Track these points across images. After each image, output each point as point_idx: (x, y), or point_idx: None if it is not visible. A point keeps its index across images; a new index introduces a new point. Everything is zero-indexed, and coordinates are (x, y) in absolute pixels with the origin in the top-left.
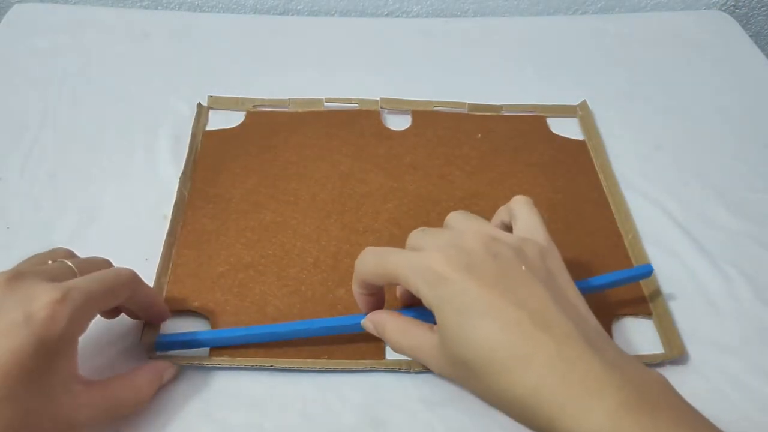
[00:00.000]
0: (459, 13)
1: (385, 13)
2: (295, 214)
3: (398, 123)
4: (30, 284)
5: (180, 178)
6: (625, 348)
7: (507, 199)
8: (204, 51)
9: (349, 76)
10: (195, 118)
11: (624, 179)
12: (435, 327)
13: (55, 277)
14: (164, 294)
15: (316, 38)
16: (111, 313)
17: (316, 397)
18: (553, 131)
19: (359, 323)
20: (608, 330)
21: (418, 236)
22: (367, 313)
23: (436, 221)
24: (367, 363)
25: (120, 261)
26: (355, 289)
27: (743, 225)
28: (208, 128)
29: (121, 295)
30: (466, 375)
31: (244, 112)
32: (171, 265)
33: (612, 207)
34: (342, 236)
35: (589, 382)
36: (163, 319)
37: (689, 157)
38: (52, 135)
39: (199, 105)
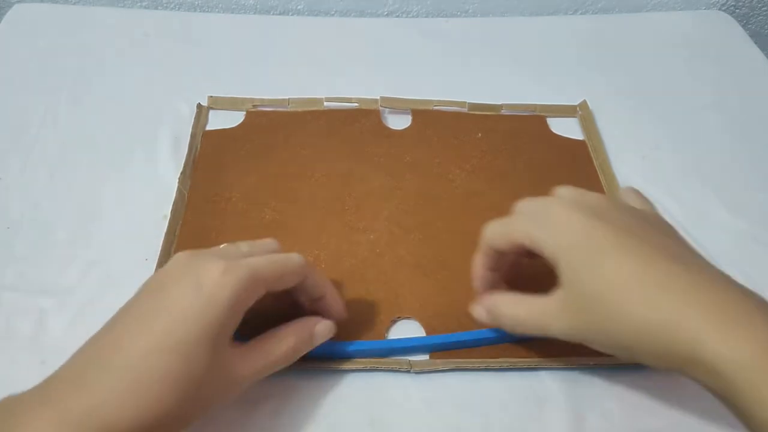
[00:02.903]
0: (459, 13)
1: (385, 13)
2: (294, 213)
3: (398, 122)
4: (203, 260)
5: (179, 178)
6: None
7: (507, 198)
8: (204, 51)
9: (349, 76)
10: (195, 118)
11: (624, 179)
12: (551, 291)
13: (226, 255)
14: None
15: (316, 38)
16: (281, 299)
17: (316, 396)
18: (553, 131)
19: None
20: None
21: (532, 202)
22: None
23: (436, 220)
24: (367, 363)
25: (120, 261)
26: (478, 261)
27: (743, 225)
28: (208, 128)
29: (290, 278)
30: (597, 316)
31: (244, 112)
32: None
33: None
34: (342, 235)
35: (736, 312)
36: (336, 315)
37: (689, 157)
38: (52, 135)
39: (199, 105)
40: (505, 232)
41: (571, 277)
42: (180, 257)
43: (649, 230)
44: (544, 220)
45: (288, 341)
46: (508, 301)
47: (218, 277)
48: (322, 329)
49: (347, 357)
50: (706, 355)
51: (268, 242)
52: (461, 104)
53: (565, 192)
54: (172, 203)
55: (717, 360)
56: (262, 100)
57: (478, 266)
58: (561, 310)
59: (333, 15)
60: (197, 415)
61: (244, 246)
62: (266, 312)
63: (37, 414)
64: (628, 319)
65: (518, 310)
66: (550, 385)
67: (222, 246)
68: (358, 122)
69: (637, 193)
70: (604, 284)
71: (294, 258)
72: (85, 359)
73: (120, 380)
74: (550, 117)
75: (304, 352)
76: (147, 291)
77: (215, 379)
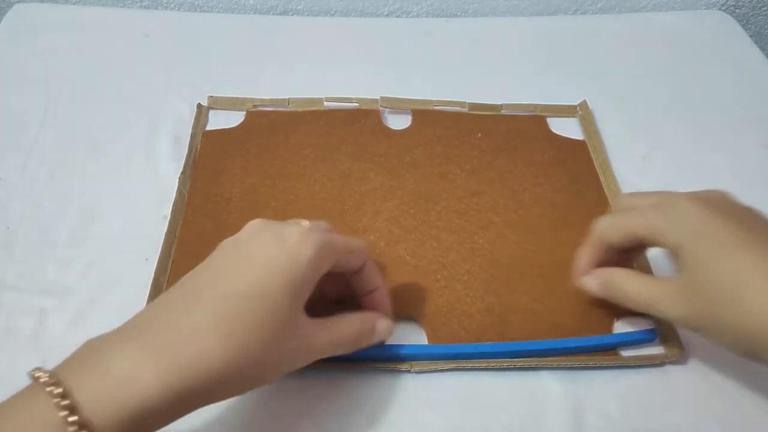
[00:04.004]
0: (459, 13)
1: (385, 13)
2: (295, 213)
3: (398, 122)
4: (280, 223)
5: (179, 178)
6: (625, 347)
7: (507, 198)
8: (204, 51)
9: (349, 76)
10: (195, 118)
11: (624, 179)
12: (672, 275)
13: (297, 224)
14: None
15: (316, 38)
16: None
17: (316, 396)
18: (553, 131)
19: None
20: (609, 329)
21: (636, 197)
22: None
23: (436, 220)
24: (367, 363)
25: (120, 261)
26: (586, 253)
27: None
28: (208, 128)
29: (355, 256)
30: (717, 305)
31: (244, 112)
32: (171, 264)
33: (612, 207)
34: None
35: None
36: (385, 310)
37: (689, 157)
38: (52, 135)
39: (199, 105)
40: (622, 224)
41: (693, 265)
42: (255, 222)
43: (763, 226)
44: (668, 211)
45: (354, 324)
46: (628, 276)
47: (300, 236)
48: (383, 325)
49: (348, 361)
50: None
51: (323, 223)
52: (461, 104)
53: (686, 193)
54: (172, 203)
55: None
56: (262, 100)
57: (585, 259)
58: (680, 295)
59: (333, 15)
60: (274, 374)
61: (305, 222)
62: (325, 303)
63: (121, 349)
64: (749, 311)
65: (638, 286)
66: (550, 385)
67: (288, 221)
68: (358, 122)
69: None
70: (727, 275)
71: (357, 240)
72: (168, 303)
73: (207, 320)
74: (550, 117)
75: (365, 345)
76: (225, 248)
77: (294, 339)
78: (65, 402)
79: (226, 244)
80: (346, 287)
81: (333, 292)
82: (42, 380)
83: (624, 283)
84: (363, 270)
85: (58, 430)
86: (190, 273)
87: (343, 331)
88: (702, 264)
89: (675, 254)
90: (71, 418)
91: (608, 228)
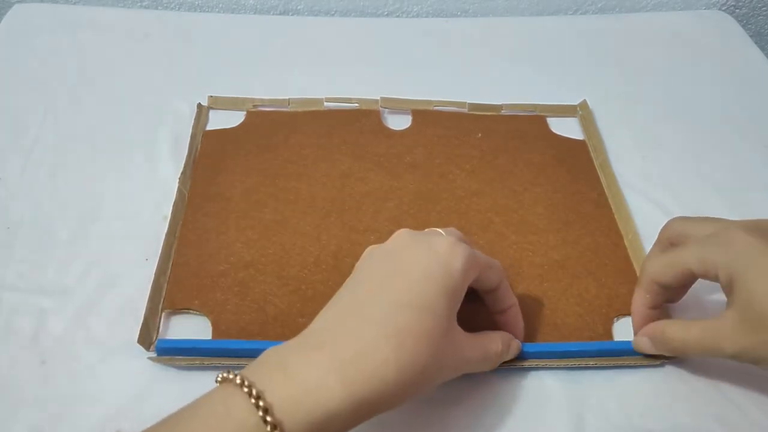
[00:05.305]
0: (459, 13)
1: (385, 13)
2: (295, 213)
3: (398, 122)
4: (428, 234)
5: (179, 178)
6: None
7: (507, 198)
8: (204, 51)
9: (349, 76)
10: (195, 118)
11: (624, 179)
12: (721, 313)
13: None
14: (164, 293)
15: (316, 38)
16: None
17: None
18: (553, 131)
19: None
20: (608, 329)
21: (688, 224)
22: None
23: (436, 220)
24: None
25: (120, 261)
26: (639, 298)
27: None
28: (208, 128)
29: (493, 273)
30: None
31: (244, 112)
32: (171, 264)
33: (612, 207)
34: (342, 235)
35: None
36: (517, 331)
37: (689, 157)
38: (52, 135)
39: (199, 105)
40: (672, 262)
41: (749, 297)
42: (403, 232)
43: None
44: (718, 243)
45: (497, 343)
46: (676, 326)
47: (449, 246)
48: (515, 345)
49: None
50: None
51: (455, 230)
52: (461, 104)
53: (740, 222)
54: (172, 203)
55: None
56: (262, 100)
57: (640, 305)
58: (736, 331)
59: (333, 15)
60: (433, 384)
61: (441, 231)
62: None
63: (309, 357)
64: None
65: (689, 333)
66: (550, 385)
67: (426, 230)
68: (358, 122)
69: None
70: None
71: (496, 261)
72: (340, 313)
73: (380, 331)
74: (550, 117)
75: (498, 363)
76: (376, 258)
77: (452, 350)
78: (262, 403)
79: (376, 254)
80: None
81: None
82: (237, 381)
83: (671, 333)
84: (499, 288)
85: (254, 428)
86: (347, 286)
87: (490, 347)
88: (757, 296)
89: (729, 287)
90: (269, 418)
91: (660, 269)
